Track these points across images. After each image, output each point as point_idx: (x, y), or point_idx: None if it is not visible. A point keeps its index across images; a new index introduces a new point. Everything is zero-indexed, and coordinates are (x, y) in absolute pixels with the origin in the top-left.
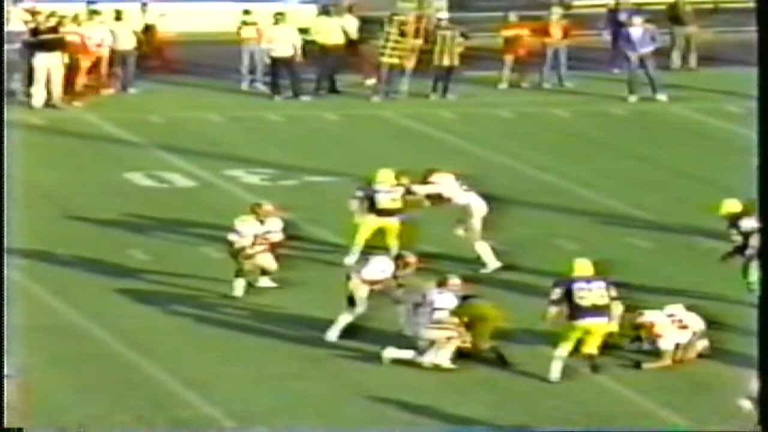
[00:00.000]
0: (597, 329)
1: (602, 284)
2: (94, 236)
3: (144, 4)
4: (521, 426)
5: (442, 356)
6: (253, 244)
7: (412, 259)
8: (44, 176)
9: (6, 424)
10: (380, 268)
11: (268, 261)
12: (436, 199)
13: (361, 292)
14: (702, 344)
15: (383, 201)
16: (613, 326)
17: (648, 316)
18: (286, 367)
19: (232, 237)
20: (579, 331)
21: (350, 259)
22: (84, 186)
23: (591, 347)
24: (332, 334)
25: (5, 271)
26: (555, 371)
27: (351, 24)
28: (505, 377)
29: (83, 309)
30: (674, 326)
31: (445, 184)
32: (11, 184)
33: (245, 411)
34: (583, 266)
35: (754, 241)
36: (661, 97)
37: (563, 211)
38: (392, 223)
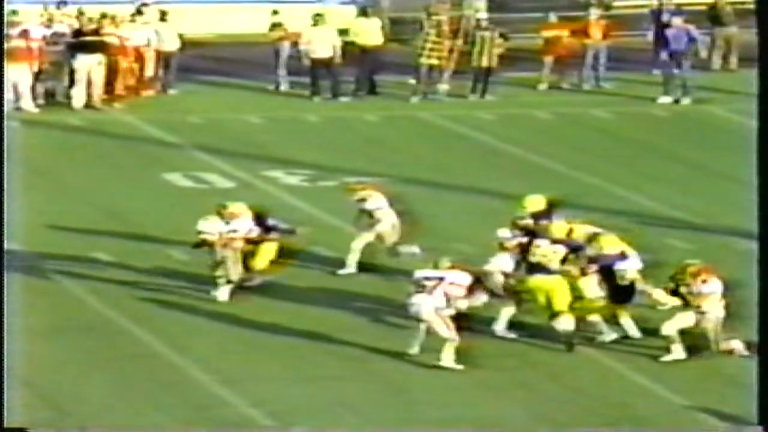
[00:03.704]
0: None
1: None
2: (133, 237)
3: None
4: (557, 427)
5: (446, 357)
6: (224, 245)
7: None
8: (84, 177)
9: (6, 423)
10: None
11: (235, 266)
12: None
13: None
14: (738, 345)
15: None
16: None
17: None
18: (326, 368)
19: (197, 237)
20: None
21: None
22: (123, 187)
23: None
24: (499, 328)
25: (4, 271)
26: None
27: None
28: (540, 378)
29: (122, 309)
30: (720, 293)
31: (376, 201)
32: (51, 185)
33: (285, 411)
34: (610, 241)
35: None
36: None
37: (602, 213)
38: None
